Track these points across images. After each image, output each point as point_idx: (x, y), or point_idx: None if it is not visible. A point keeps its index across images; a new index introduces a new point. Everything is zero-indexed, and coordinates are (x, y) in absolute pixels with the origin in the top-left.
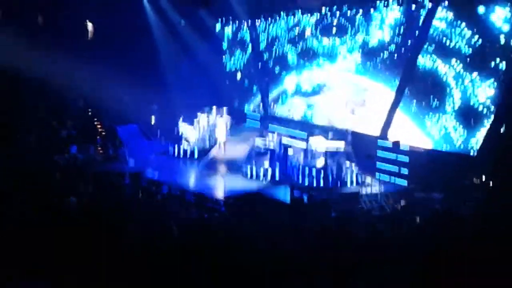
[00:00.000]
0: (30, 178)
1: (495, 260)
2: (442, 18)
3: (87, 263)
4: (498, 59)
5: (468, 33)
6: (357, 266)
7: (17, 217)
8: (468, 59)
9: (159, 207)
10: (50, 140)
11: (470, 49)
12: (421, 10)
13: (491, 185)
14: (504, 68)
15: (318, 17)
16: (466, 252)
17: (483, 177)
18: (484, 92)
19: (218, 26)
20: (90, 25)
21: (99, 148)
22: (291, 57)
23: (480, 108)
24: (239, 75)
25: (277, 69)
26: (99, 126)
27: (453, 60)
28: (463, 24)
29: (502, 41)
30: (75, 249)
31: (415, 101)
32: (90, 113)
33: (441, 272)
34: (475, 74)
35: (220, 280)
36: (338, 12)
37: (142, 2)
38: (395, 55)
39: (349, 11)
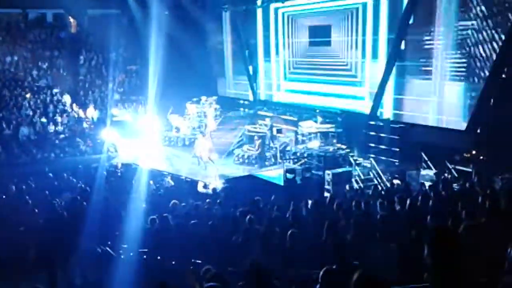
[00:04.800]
0: None
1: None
2: None
3: None
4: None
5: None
6: (350, 244)
7: None
8: (459, 32)
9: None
10: None
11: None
12: None
13: (481, 158)
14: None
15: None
16: (461, 228)
17: (473, 151)
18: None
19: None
20: (72, 20)
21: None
22: (276, 42)
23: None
24: (226, 63)
25: (262, 54)
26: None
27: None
28: None
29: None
30: None
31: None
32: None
33: (435, 250)
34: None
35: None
36: None
37: None
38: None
39: None
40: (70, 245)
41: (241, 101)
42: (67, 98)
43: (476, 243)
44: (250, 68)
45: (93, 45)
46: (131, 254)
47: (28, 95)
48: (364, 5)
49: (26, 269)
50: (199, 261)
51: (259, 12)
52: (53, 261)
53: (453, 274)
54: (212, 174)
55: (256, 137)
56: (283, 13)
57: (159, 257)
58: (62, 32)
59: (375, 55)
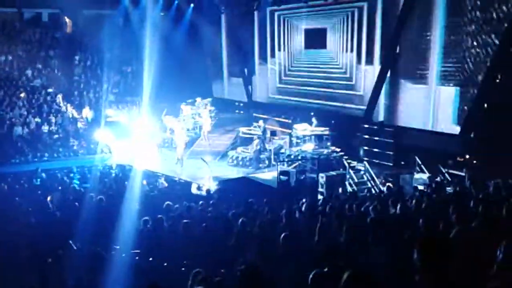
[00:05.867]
0: None
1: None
2: None
3: None
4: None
5: None
6: (343, 247)
7: None
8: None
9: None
10: None
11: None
12: None
13: (475, 163)
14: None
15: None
16: (452, 233)
17: (467, 155)
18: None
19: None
20: (68, 20)
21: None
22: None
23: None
24: (221, 65)
25: (258, 56)
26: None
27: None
28: None
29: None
30: None
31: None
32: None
33: (428, 254)
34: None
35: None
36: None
37: None
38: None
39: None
40: (62, 245)
41: (236, 103)
42: (61, 98)
43: (466, 248)
44: (246, 70)
45: (88, 46)
46: (124, 255)
47: (22, 95)
48: (360, 9)
49: (18, 269)
50: (191, 263)
51: (256, 15)
52: (45, 261)
53: (442, 278)
54: (206, 176)
55: (255, 137)
56: (279, 16)
57: (151, 259)
58: (57, 32)
59: (370, 59)
